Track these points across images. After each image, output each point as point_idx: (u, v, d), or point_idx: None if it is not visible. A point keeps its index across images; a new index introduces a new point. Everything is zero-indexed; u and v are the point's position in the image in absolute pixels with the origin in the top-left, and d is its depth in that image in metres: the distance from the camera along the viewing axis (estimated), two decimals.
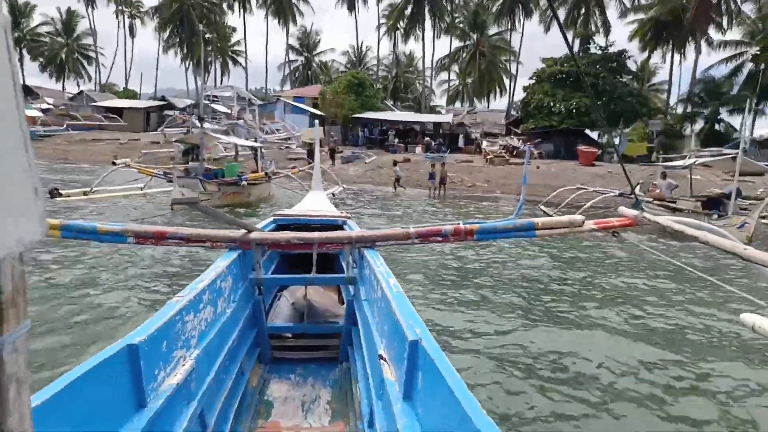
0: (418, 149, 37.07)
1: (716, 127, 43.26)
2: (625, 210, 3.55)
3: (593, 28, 47.59)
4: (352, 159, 31.69)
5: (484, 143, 38.91)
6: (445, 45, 62.31)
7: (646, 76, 44.20)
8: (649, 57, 48.29)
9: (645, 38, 46.82)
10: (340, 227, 4.57)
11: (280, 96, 52.20)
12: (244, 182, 17.23)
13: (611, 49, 43.54)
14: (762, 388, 4.53)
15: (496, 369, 4.64)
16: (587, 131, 44.24)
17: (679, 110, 46.41)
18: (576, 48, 47.32)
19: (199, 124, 18.19)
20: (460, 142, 40.46)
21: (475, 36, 56.89)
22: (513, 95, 57.85)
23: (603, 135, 45.51)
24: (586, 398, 4.17)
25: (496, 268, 8.89)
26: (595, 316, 6.35)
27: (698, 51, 45.28)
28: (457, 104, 61.32)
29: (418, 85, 68.95)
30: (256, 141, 21.42)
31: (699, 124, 44.18)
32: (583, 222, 3.20)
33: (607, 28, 47.53)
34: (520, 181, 28.44)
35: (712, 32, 45.57)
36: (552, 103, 40.96)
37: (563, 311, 6.55)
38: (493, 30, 57.72)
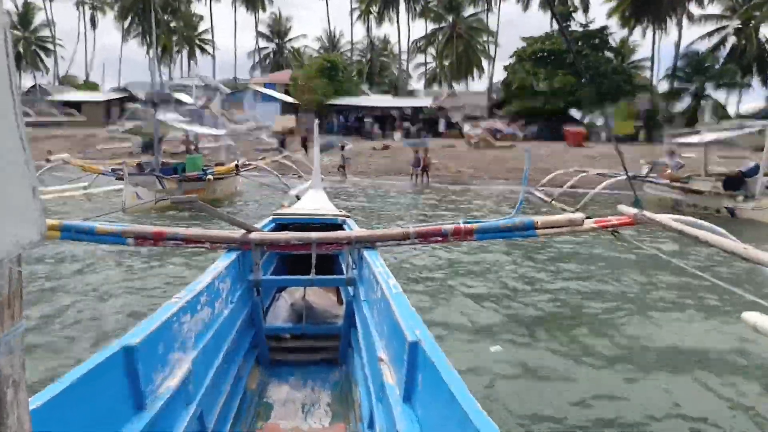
0: (397, 135, 35.19)
1: (702, 102, 42.03)
2: (625, 208, 3.57)
3: (572, 5, 45.86)
4: (327, 147, 29.62)
5: (466, 127, 37.14)
6: (420, 27, 60.36)
7: (626, 54, 42.65)
8: (630, 33, 46.85)
9: (624, 14, 45.32)
10: (339, 226, 4.50)
11: (249, 84, 49.50)
12: (210, 177, 15.04)
13: (591, 26, 42.06)
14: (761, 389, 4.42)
15: (497, 369, 4.53)
16: (572, 112, 42.86)
17: (664, 87, 45.16)
18: (556, 26, 45.75)
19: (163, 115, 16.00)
20: (441, 127, 38.67)
21: (450, 18, 54.90)
22: (492, 77, 56.14)
23: (587, 115, 44.22)
24: (587, 398, 4.07)
25: (497, 266, 8.55)
26: (593, 316, 6.22)
27: (680, 26, 43.94)
28: (435, 87, 59.37)
29: (394, 69, 66.81)
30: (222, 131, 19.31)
31: (686, 102, 42.88)
32: (583, 221, 3.20)
33: (586, 5, 45.90)
34: (507, 166, 27.02)
35: (692, 7, 44.35)
36: (535, 83, 39.35)
37: (562, 309, 6.50)
38: (468, 11, 55.77)
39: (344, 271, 3.70)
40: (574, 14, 44.41)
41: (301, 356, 3.68)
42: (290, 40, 68.65)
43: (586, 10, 45.54)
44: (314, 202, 6.22)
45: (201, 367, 2.36)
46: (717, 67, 42.03)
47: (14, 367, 0.45)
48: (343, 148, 24.07)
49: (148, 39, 60.35)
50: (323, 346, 3.71)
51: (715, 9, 44.39)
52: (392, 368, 2.21)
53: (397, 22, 56.46)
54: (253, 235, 3.38)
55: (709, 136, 13.24)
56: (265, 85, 48.92)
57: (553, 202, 13.18)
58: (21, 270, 0.46)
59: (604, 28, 41.61)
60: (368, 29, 63.61)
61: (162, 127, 15.80)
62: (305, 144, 27.49)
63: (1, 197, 0.42)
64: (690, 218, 3.32)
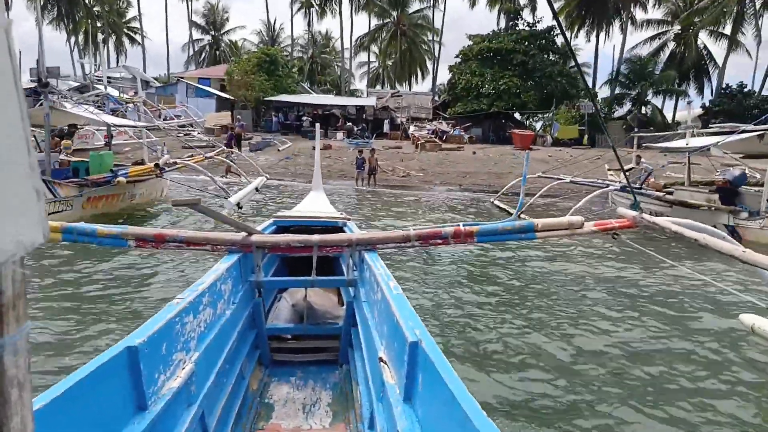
0: (340, 135, 33.17)
1: (643, 109, 42.28)
2: (624, 211, 3.62)
3: (520, 3, 45.24)
4: (263, 146, 27.23)
5: (412, 128, 35.62)
6: (363, 22, 58.30)
7: (565, 59, 42.36)
8: (576, 35, 46.73)
9: (572, 15, 45.09)
10: (340, 229, 4.61)
11: (181, 77, 46.03)
12: (121, 179, 11.73)
13: (539, 26, 41.48)
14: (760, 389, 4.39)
15: (497, 369, 4.49)
16: (516, 114, 42.29)
17: (605, 92, 45.30)
18: (502, 24, 45.02)
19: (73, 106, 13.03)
20: (386, 128, 36.90)
21: (395, 13, 53.39)
22: (436, 78, 55.04)
23: (530, 118, 43.78)
24: (586, 399, 4.04)
25: (495, 265, 8.47)
26: (590, 316, 6.17)
27: (624, 30, 44.10)
28: (378, 88, 57.72)
29: (336, 67, 64.65)
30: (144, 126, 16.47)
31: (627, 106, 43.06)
32: (583, 224, 3.23)
33: (533, 4, 45.36)
34: (458, 169, 25.49)
35: (636, 11, 44.64)
36: (481, 84, 38.32)
37: (560, 309, 6.44)
38: (414, 7, 54.44)
39: (345, 273, 3.69)
40: (522, 12, 43.58)
41: (302, 357, 3.67)
42: (227, 32, 65.11)
43: (533, 9, 44.92)
44: (315, 204, 6.12)
45: (203, 367, 2.34)
46: (657, 73, 42.38)
47: (19, 368, 0.46)
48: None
49: (67, 24, 55.67)
50: (324, 346, 3.70)
51: (657, 14, 44.83)
52: (393, 368, 2.19)
53: (340, 15, 54.28)
54: (255, 238, 3.37)
55: (696, 142, 11.67)
56: (200, 80, 45.66)
57: (521, 216, 11.56)
58: (24, 271, 0.46)
59: (551, 28, 41.08)
60: (309, 23, 61.12)
61: (59, 117, 12.78)
62: (238, 142, 24.89)
63: (5, 199, 0.42)
64: (689, 221, 3.37)
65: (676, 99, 43.74)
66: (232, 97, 39.90)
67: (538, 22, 42.09)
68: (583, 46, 50.25)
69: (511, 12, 43.27)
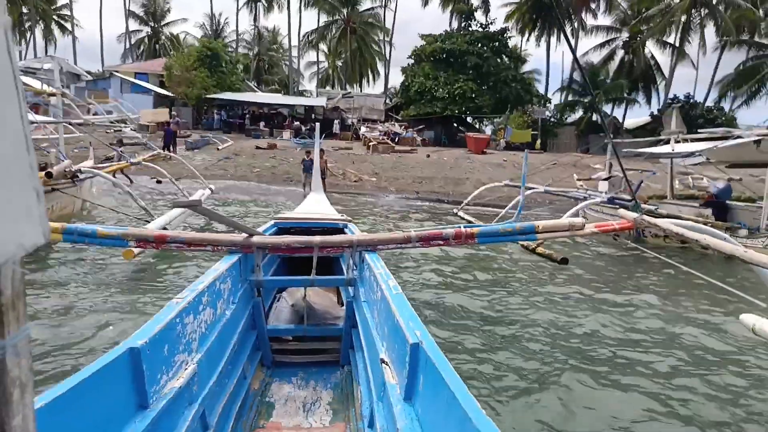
0: (286, 134, 31.24)
1: (594, 116, 42.26)
2: (625, 213, 3.79)
3: (473, 3, 44.47)
4: (201, 145, 24.98)
5: (363, 129, 34.13)
6: (312, 19, 56.37)
7: (519, 63, 41.93)
8: (527, 39, 46.48)
9: (524, 18, 44.72)
10: (341, 230, 4.55)
11: (115, 71, 42.70)
12: None
13: (492, 28, 40.82)
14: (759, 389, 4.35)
15: (497, 369, 4.43)
16: (468, 118, 41.53)
17: (557, 98, 45.18)
18: (455, 25, 44.13)
19: None
20: (335, 128, 35.21)
21: (345, 11, 51.75)
22: (388, 79, 53.74)
23: (481, 122, 43.13)
24: (585, 399, 4.01)
25: (496, 265, 8.36)
26: (588, 316, 6.02)
27: (576, 36, 44.06)
28: (329, 89, 55.92)
29: (284, 66, 62.38)
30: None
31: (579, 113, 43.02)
32: (584, 225, 3.23)
33: (486, 6, 44.73)
34: (412, 174, 24.08)
35: (585, 17, 44.70)
36: (435, 88, 37.21)
37: (559, 308, 6.29)
38: (364, 5, 52.96)
39: (345, 272, 3.68)
40: (475, 13, 42.82)
41: (303, 358, 3.66)
42: (168, 24, 61.62)
43: (487, 11, 44.26)
44: (315, 206, 6.07)
45: (205, 367, 2.35)
46: (608, 81, 42.52)
47: (21, 368, 0.46)
48: (121, 144, 17.74)
49: None
50: (324, 347, 3.69)
51: (606, 21, 45.05)
52: (394, 369, 2.18)
53: (288, 9, 52.18)
54: (256, 239, 3.35)
55: (683, 148, 10.28)
56: (136, 75, 42.53)
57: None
58: (24, 272, 0.46)
59: (504, 30, 40.48)
60: (256, 18, 58.65)
61: None
62: (171, 141, 22.49)
63: (6, 200, 0.42)
64: (690, 222, 3.55)
65: (625, 107, 44.02)
66: (172, 94, 37.21)
67: (491, 23, 41.48)
68: (534, 50, 50.05)
69: (464, 13, 42.42)
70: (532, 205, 14.81)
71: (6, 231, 0.42)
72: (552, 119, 40.49)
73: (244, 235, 3.40)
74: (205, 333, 2.49)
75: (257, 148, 24.41)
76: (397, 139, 31.46)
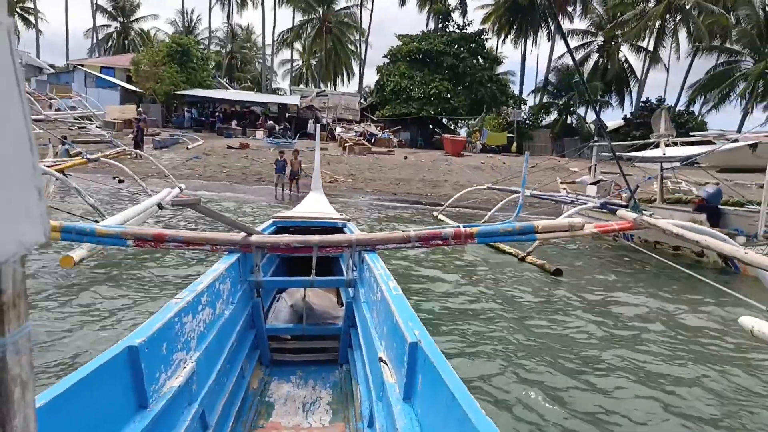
0: (259, 134, 30.37)
1: (569, 119, 42.40)
2: (625, 213, 3.68)
3: (450, 4, 44.14)
4: (169, 144, 23.98)
5: (338, 129, 33.44)
6: (287, 17, 55.34)
7: (495, 64, 41.77)
8: (503, 41, 46.43)
9: (501, 21, 44.62)
10: (340, 230, 4.54)
11: (79, 64, 41.10)
12: None
13: (469, 29, 40.57)
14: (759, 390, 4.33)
15: (497, 369, 4.40)
16: (444, 119, 41.20)
17: (531, 100, 45.21)
18: (432, 26, 43.77)
19: None
20: (310, 128, 34.44)
21: (321, 9, 51.01)
22: (363, 78, 53.18)
23: (457, 123, 42.85)
24: (584, 399, 3.98)
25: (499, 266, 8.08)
26: (587, 317, 5.95)
27: (553, 39, 44.15)
28: (302, 86, 55.03)
29: (257, 63, 61.27)
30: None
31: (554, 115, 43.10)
32: (583, 225, 3.20)
33: (464, 7, 44.47)
34: (389, 175, 23.52)
35: (562, 20, 44.77)
36: (410, 87, 36.75)
37: (558, 309, 6.20)
38: (341, 4, 52.29)
39: (344, 273, 3.67)
40: (452, 14, 42.49)
41: (302, 356, 3.66)
42: (137, 20, 59.91)
43: (464, 12, 43.98)
44: (315, 205, 6.05)
45: (204, 366, 2.34)
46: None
47: (22, 366, 0.46)
48: (63, 142, 16.45)
49: None
50: (323, 346, 3.68)
51: (582, 25, 45.30)
52: (392, 368, 2.18)
53: (262, 6, 51.19)
54: (254, 238, 3.34)
55: (675, 152, 9.73)
56: (102, 69, 41.03)
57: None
58: (25, 271, 0.47)
59: (482, 32, 40.26)
60: (229, 15, 57.43)
61: None
62: (140, 139, 21.53)
63: (8, 198, 0.43)
64: (690, 223, 3.52)
65: (599, 109, 44.25)
66: (140, 90, 35.96)
67: (468, 24, 41.26)
68: (509, 52, 49.99)
69: (441, 13, 42.08)
70: (512, 208, 14.37)
71: (7, 230, 0.43)
72: (527, 121, 40.40)
73: (243, 234, 3.37)
74: (203, 332, 2.48)
75: (228, 147, 23.53)
76: (373, 140, 30.88)
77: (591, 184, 12.00)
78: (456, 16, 43.27)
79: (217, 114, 35.37)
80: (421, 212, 15.17)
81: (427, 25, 45.15)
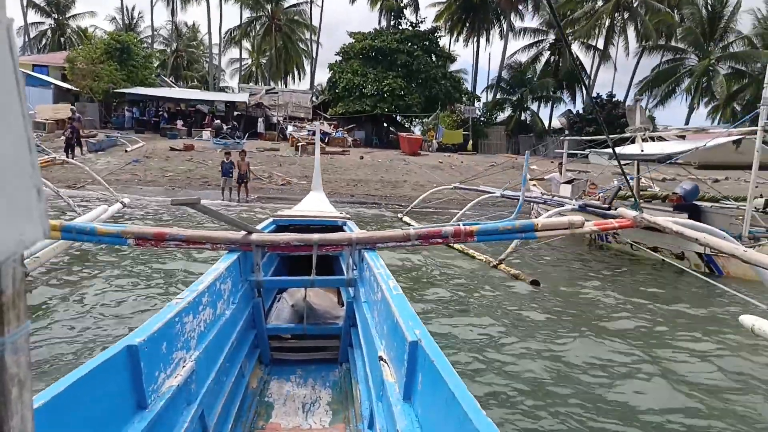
0: (206, 134, 28.79)
1: (522, 116, 42.41)
2: (625, 211, 3.63)
3: (402, 1, 43.41)
4: (106, 146, 22.21)
5: (290, 128, 32.19)
6: (234, 14, 53.46)
7: (448, 61, 41.35)
8: (457, 39, 46.11)
9: (453, 18, 44.24)
10: (340, 228, 4.53)
11: None
12: None
13: (422, 27, 39.96)
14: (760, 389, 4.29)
15: (497, 370, 4.37)
16: (399, 117, 40.51)
17: (485, 97, 45.09)
18: (384, 24, 42.97)
19: None
20: (260, 127, 33.03)
21: (269, 6, 49.42)
22: (314, 76, 51.88)
23: (412, 121, 42.25)
24: (583, 399, 3.95)
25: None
26: (587, 317, 5.86)
27: (505, 37, 44.06)
28: (252, 84, 53.26)
29: (204, 62, 59.04)
30: None
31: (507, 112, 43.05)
32: (583, 223, 3.23)
33: (416, 5, 43.83)
34: (346, 176, 22.49)
35: (514, 18, 44.82)
36: (363, 84, 35.84)
37: (557, 310, 6.04)
38: (290, 1, 50.79)
39: (345, 272, 3.66)
40: (405, 11, 41.79)
41: (302, 356, 3.66)
42: (73, 16, 56.66)
43: (416, 9, 43.33)
44: (314, 204, 6.01)
45: (203, 366, 2.34)
46: (536, 80, 42.83)
47: (20, 366, 0.46)
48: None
49: None
50: (324, 345, 3.68)
51: (534, 23, 45.43)
52: (392, 368, 2.17)
53: (207, 3, 49.18)
54: (255, 237, 3.34)
55: (654, 149, 9.08)
56: (34, 67, 38.36)
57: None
58: (25, 270, 0.48)
59: (435, 29, 39.71)
60: (173, 12, 55.00)
61: None
62: (78, 140, 19.65)
63: (7, 197, 0.43)
64: (689, 221, 3.55)
65: (552, 105, 44.54)
66: (76, 88, 33.67)
67: (421, 22, 40.62)
68: (461, 51, 49.89)
69: (393, 10, 41.31)
70: (487, 211, 13.62)
71: (7, 229, 0.43)
72: (482, 118, 40.14)
73: (243, 232, 3.36)
74: (203, 332, 2.46)
75: (171, 149, 21.99)
76: (327, 139, 29.81)
77: (564, 183, 11.37)
78: (408, 13, 42.59)
79: (160, 113, 33.47)
80: (382, 217, 14.26)
81: (379, 23, 44.30)
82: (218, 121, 32.17)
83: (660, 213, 8.34)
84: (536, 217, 9.76)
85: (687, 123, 40.54)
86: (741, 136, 7.46)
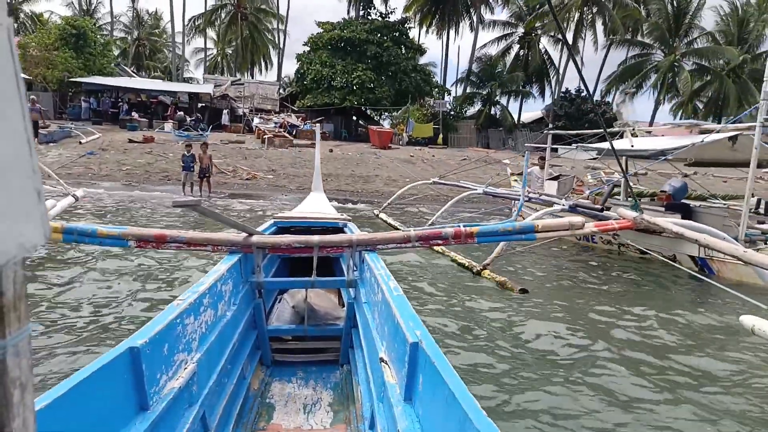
0: (168, 126, 27.61)
1: (492, 110, 42.21)
2: (624, 212, 3.63)
3: None
4: (58, 138, 20.94)
5: (256, 120, 31.21)
6: (199, 2, 51.72)
7: (418, 54, 40.79)
8: (427, 31, 45.59)
9: (422, 10, 43.68)
10: (340, 230, 4.54)
11: None
12: None
13: (392, 18, 39.30)
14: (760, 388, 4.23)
15: (497, 370, 4.27)
16: (368, 110, 39.84)
17: (455, 91, 44.72)
18: (353, 13, 42.12)
19: None
20: (224, 119, 31.94)
21: None
22: (282, 67, 50.72)
23: (381, 114, 41.64)
24: (583, 400, 3.85)
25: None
26: (587, 317, 5.69)
27: (476, 29, 43.72)
28: (217, 75, 51.79)
29: (167, 52, 57.15)
30: None
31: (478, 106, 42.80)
32: (584, 224, 3.20)
33: None
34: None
35: (484, 11, 44.51)
36: (332, 76, 35.03)
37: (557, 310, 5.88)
38: None
39: (345, 273, 3.67)
40: (374, 1, 40.98)
41: (303, 357, 3.67)
42: (27, 1, 54.07)
43: (386, 0, 42.58)
44: (315, 205, 6.06)
45: (204, 367, 2.35)
46: (505, 74, 42.65)
47: (22, 369, 0.46)
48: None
49: None
50: (325, 347, 3.69)
51: (503, 15, 45.22)
52: (393, 369, 2.18)
53: None
54: (255, 239, 3.36)
55: (646, 144, 8.57)
56: None
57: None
58: (25, 272, 0.47)
59: (405, 20, 39.10)
60: None
61: None
62: (35, 132, 18.46)
63: (8, 200, 0.43)
64: (690, 222, 3.38)
65: (521, 100, 44.46)
66: (28, 77, 31.97)
67: (391, 12, 39.94)
68: (431, 44, 49.38)
69: (362, 0, 40.48)
70: (472, 209, 13.12)
71: (7, 232, 0.43)
72: (452, 112, 39.79)
73: (244, 234, 3.36)
74: (205, 333, 2.45)
75: (130, 141, 20.90)
76: (294, 132, 28.97)
77: (550, 180, 10.92)
78: (378, 3, 41.83)
79: (120, 104, 32.04)
80: (358, 212, 13.65)
81: (348, 13, 43.42)
82: (181, 112, 30.96)
83: (652, 213, 7.93)
84: (515, 216, 9.38)
85: (653, 119, 40.94)
86: (738, 132, 7.07)
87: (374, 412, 2.32)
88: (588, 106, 39.43)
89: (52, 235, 3.07)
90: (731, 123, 7.15)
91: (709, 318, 5.79)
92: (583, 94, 41.77)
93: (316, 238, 3.39)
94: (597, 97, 43.94)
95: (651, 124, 33.43)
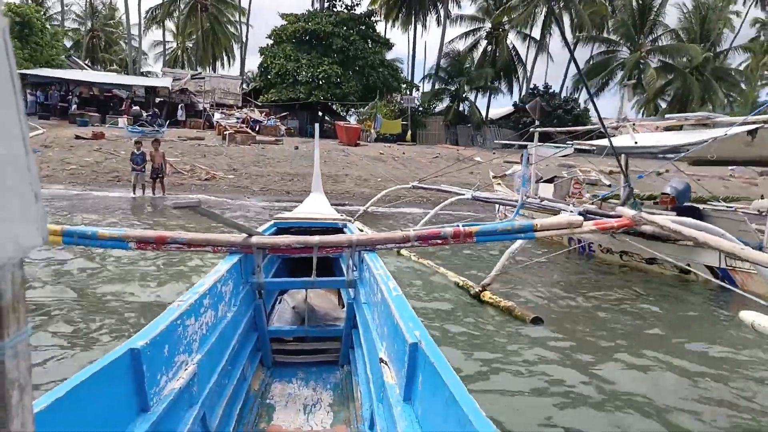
0: (122, 121, 25.97)
1: (461, 106, 41.64)
2: (624, 210, 3.65)
3: None
4: None
5: (217, 115, 29.78)
6: None
7: (386, 48, 39.90)
8: (393, 25, 44.69)
9: (389, 3, 42.75)
10: (340, 230, 4.57)
11: None
12: None
13: (357, 10, 38.23)
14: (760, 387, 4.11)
15: (497, 369, 4.18)
16: (335, 106, 38.78)
17: (423, 87, 44.02)
18: (317, 5, 40.82)
19: None
20: (179, 114, 30.37)
21: None
22: (245, 61, 49.07)
23: (349, 110, 40.65)
24: (584, 400, 3.74)
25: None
26: (588, 316, 5.71)
27: (443, 24, 43.02)
28: (178, 69, 49.80)
29: (123, 44, 54.74)
30: None
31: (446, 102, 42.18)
32: (582, 223, 3.22)
33: None
34: (280, 170, 20.50)
35: (451, 6, 43.86)
36: (297, 70, 33.79)
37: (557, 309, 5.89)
38: None
39: (345, 274, 3.68)
40: None
41: (303, 358, 3.69)
42: None
43: None
44: (315, 206, 6.09)
45: (205, 369, 2.37)
46: (474, 69, 42.13)
47: (20, 370, 0.46)
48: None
49: None
50: (325, 347, 3.70)
51: (471, 10, 44.68)
52: (393, 369, 2.19)
53: None
54: (255, 239, 3.37)
55: (649, 140, 7.63)
56: None
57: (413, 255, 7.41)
58: (24, 274, 0.47)
59: (371, 13, 38.08)
60: None
61: None
62: None
63: (4, 201, 0.43)
64: (688, 219, 3.44)
65: (489, 96, 44.03)
66: None
67: (357, 5, 38.81)
68: (398, 40, 48.51)
69: None
70: (460, 215, 12.20)
71: (4, 233, 0.43)
72: (420, 108, 39.05)
73: (244, 235, 3.35)
74: (205, 334, 2.45)
75: (77, 137, 19.33)
76: (258, 128, 27.70)
77: (545, 182, 10.13)
78: None
79: (70, 98, 30.14)
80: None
81: (312, 5, 42.12)
82: (137, 107, 29.28)
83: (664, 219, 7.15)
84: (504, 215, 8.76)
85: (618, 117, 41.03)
86: (759, 126, 6.31)
87: (374, 413, 2.32)
88: (556, 102, 39.30)
89: (51, 239, 3.15)
90: (753, 114, 6.41)
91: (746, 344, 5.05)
92: (551, 90, 41.69)
93: (315, 238, 3.39)
94: (566, 93, 43.89)
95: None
